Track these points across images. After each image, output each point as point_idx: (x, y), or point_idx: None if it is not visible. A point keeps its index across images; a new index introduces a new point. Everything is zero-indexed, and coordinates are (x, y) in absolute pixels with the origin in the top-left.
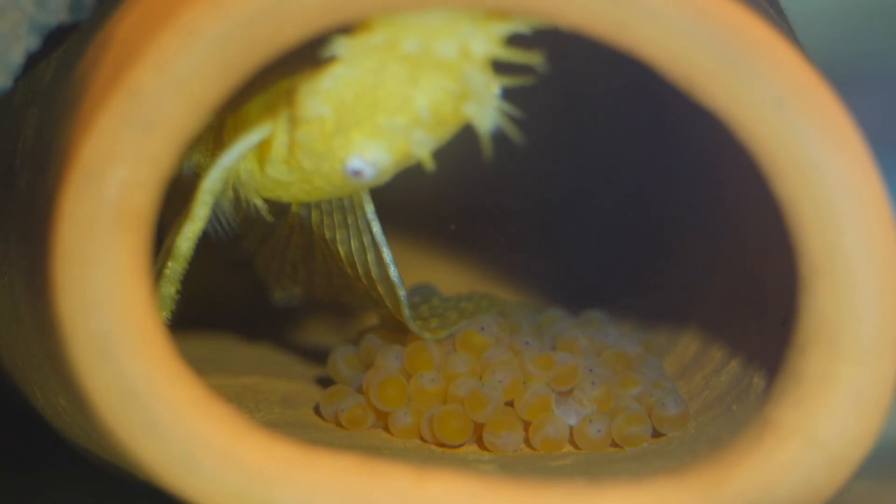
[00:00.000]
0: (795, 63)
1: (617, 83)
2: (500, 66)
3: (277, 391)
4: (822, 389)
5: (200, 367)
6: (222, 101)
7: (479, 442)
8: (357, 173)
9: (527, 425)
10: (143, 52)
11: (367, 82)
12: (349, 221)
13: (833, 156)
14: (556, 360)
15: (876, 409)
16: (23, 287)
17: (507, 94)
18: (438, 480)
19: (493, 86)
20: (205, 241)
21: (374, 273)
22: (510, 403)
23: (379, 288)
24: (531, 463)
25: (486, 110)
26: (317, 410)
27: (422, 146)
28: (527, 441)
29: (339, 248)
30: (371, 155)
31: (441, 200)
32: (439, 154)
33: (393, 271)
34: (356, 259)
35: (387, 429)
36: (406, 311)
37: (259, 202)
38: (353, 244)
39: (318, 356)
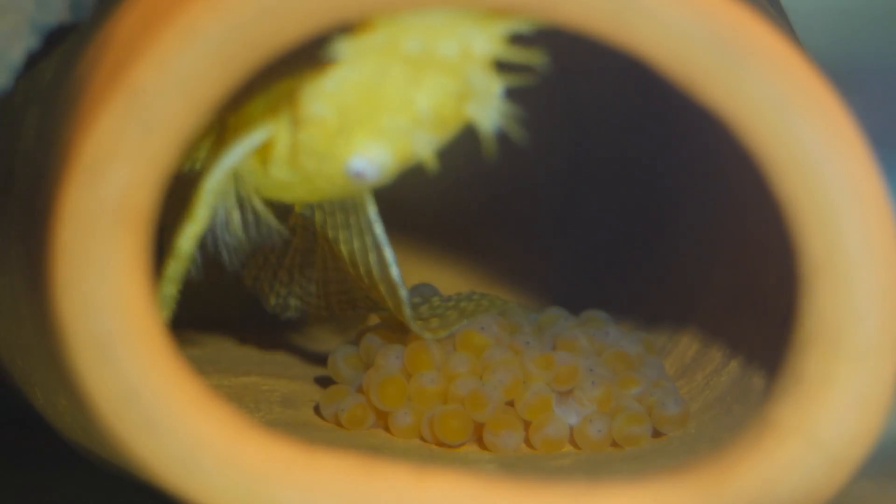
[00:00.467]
0: (796, 63)
1: (617, 83)
2: (501, 66)
3: (277, 391)
4: (822, 389)
5: (200, 367)
6: (223, 101)
7: (480, 442)
8: (359, 174)
9: (527, 425)
10: (143, 52)
11: (369, 83)
12: (351, 222)
13: (833, 156)
14: (557, 359)
15: (876, 408)
16: (23, 287)
17: (508, 95)
18: (438, 480)
19: (495, 86)
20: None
21: (375, 273)
22: (510, 403)
23: (380, 288)
24: (531, 463)
25: (487, 110)
26: (317, 410)
27: (424, 146)
28: (527, 441)
29: (342, 249)
30: (373, 155)
31: (441, 201)
32: (441, 154)
33: (395, 271)
34: (358, 259)
35: (387, 429)
36: (407, 312)
37: (259, 203)
38: (356, 244)
39: (318, 356)
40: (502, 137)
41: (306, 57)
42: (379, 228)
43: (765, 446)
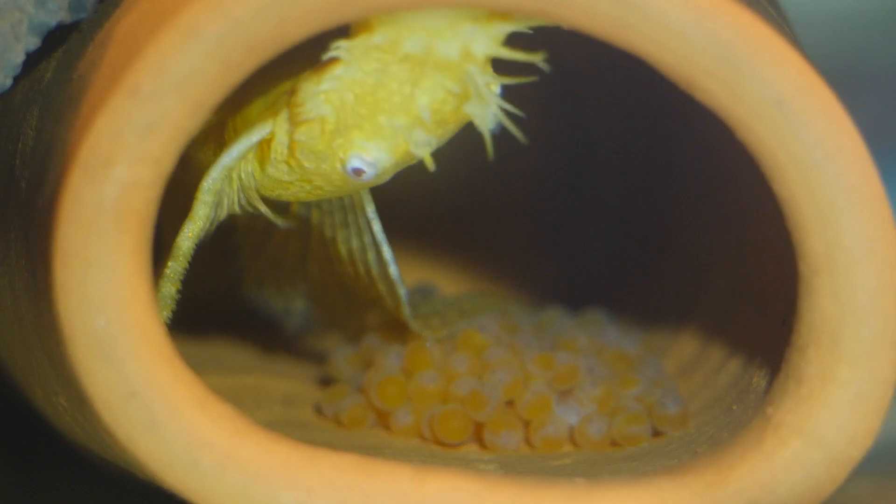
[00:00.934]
0: (796, 63)
1: (617, 82)
2: (500, 66)
3: (277, 391)
4: (822, 389)
5: (200, 367)
6: (223, 101)
7: (480, 441)
8: (357, 173)
9: (527, 425)
10: (143, 52)
11: (368, 83)
12: (349, 220)
13: (833, 156)
14: (557, 359)
15: (876, 408)
16: (23, 287)
17: (508, 94)
18: (438, 480)
19: (494, 85)
20: (204, 242)
21: (374, 272)
22: (510, 403)
23: (380, 287)
24: (531, 462)
25: (487, 110)
26: (317, 410)
27: (422, 146)
28: (527, 440)
29: (340, 248)
30: (371, 155)
31: (441, 200)
32: (440, 154)
33: (393, 270)
34: (357, 258)
35: (387, 428)
36: (406, 310)
37: (259, 203)
38: (354, 243)
39: (318, 356)
40: (502, 137)
41: (306, 56)
42: (377, 227)
43: (765, 446)
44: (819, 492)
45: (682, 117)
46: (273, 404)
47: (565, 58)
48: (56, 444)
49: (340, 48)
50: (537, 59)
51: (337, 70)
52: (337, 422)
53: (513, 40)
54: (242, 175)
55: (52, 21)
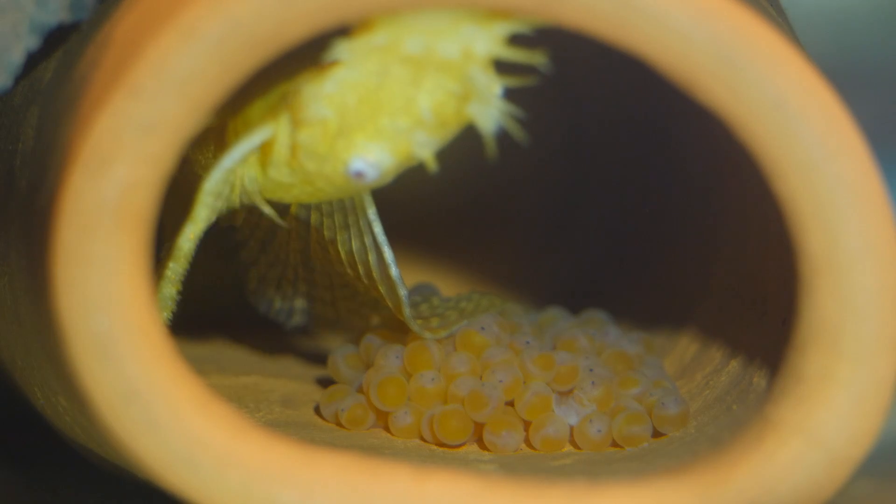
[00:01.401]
0: (796, 63)
1: (617, 83)
2: (502, 67)
3: (277, 391)
4: (822, 389)
5: (200, 367)
6: (223, 102)
7: (480, 442)
8: (359, 175)
9: (527, 425)
10: (143, 52)
11: (370, 84)
12: (350, 222)
13: (833, 156)
14: (557, 359)
15: (876, 408)
16: (23, 287)
17: (508, 95)
18: (438, 480)
19: (496, 86)
20: (205, 243)
21: (375, 274)
22: (510, 403)
23: (380, 288)
24: (532, 463)
25: (488, 111)
26: (317, 410)
27: (424, 147)
28: (527, 441)
29: (340, 249)
30: (373, 157)
31: (441, 201)
32: (441, 155)
33: (394, 271)
34: (357, 259)
35: (387, 429)
36: (407, 311)
37: (262, 204)
38: (355, 245)
39: (318, 356)
40: (503, 137)
41: (307, 57)
42: (378, 228)
43: (765, 446)
44: (820, 492)
45: (682, 117)
46: (273, 404)
47: (565, 58)
48: (56, 444)
49: (341, 49)
50: (539, 59)
51: (338, 72)
52: (337, 422)
53: (514, 42)
54: (245, 177)
55: (53, 21)
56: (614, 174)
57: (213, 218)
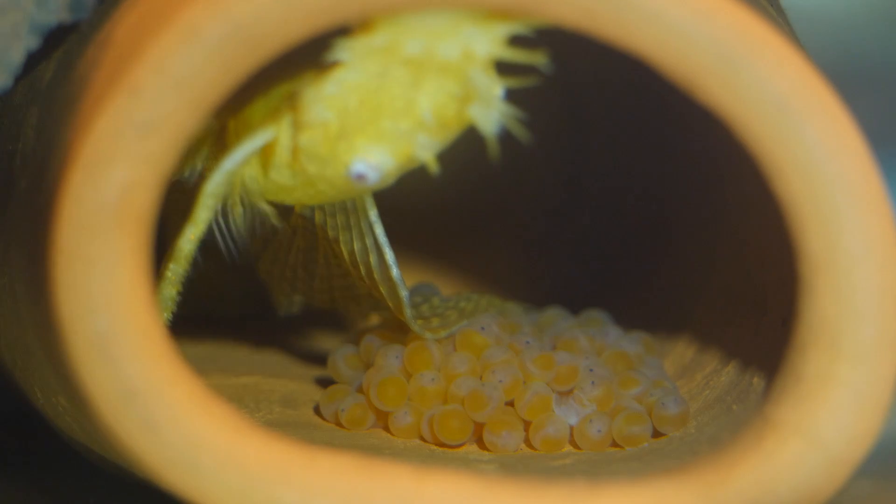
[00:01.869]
0: (796, 63)
1: (616, 83)
2: (503, 68)
3: (277, 391)
4: (822, 389)
5: (200, 367)
6: (222, 102)
7: (480, 442)
8: (361, 177)
9: (527, 425)
10: (143, 52)
11: (371, 86)
12: (352, 223)
13: (833, 156)
14: (557, 359)
15: (876, 408)
16: (23, 287)
17: (509, 96)
18: (438, 480)
19: (497, 88)
20: (205, 244)
21: (376, 274)
22: (510, 403)
23: (381, 288)
24: (531, 463)
25: (489, 113)
26: (317, 410)
27: (425, 149)
28: (527, 441)
29: (343, 249)
30: (375, 159)
31: (441, 201)
32: (441, 156)
33: (395, 272)
34: (359, 260)
35: (387, 429)
36: (408, 312)
37: (264, 206)
38: (356, 245)
39: (318, 356)
40: (503, 138)
41: (307, 58)
42: (380, 230)
43: (765, 446)
44: (819, 492)
45: (682, 118)
46: (273, 404)
47: (565, 59)
48: (56, 444)
49: (342, 50)
50: (539, 60)
51: (339, 74)
52: (337, 422)
53: (514, 43)
54: (246, 178)
55: (53, 21)
56: (614, 174)
57: (212, 219)
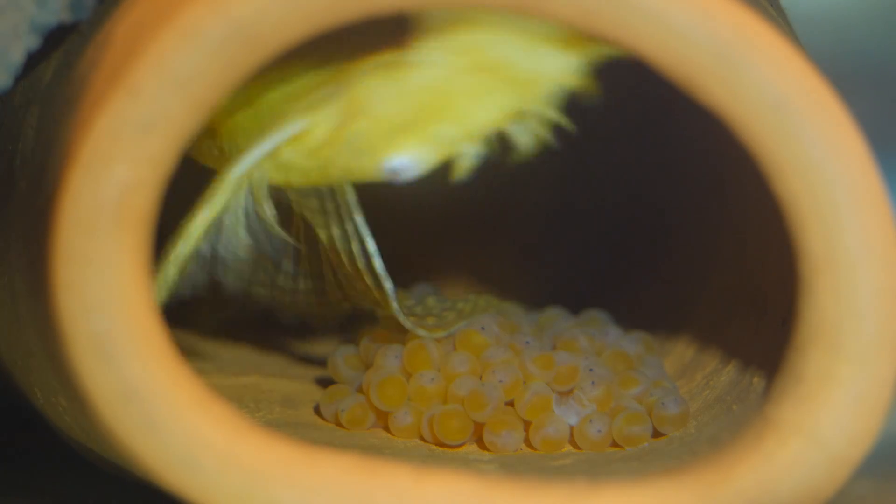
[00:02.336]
0: (796, 63)
1: (616, 83)
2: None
3: (277, 391)
4: (822, 389)
5: (200, 367)
6: (222, 101)
7: (480, 441)
8: (397, 173)
9: (527, 425)
10: (143, 52)
11: (435, 89)
12: (328, 209)
13: (833, 156)
14: (557, 359)
15: (876, 408)
16: (23, 287)
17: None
18: (438, 480)
19: (552, 114)
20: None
21: (360, 264)
22: (510, 403)
23: (366, 279)
24: (531, 463)
25: (529, 135)
26: (317, 410)
27: (466, 158)
28: (527, 441)
29: (321, 234)
30: (417, 158)
31: (441, 203)
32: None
33: (378, 263)
34: (339, 247)
35: (387, 428)
36: (394, 305)
37: (265, 213)
38: (335, 231)
39: (318, 356)
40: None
41: (326, 47)
42: (359, 217)
43: (765, 446)
44: (819, 492)
45: (682, 118)
46: (273, 404)
47: None
48: (56, 444)
49: (412, 49)
50: (595, 94)
51: (406, 72)
52: (337, 422)
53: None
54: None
55: (52, 21)
56: (614, 174)
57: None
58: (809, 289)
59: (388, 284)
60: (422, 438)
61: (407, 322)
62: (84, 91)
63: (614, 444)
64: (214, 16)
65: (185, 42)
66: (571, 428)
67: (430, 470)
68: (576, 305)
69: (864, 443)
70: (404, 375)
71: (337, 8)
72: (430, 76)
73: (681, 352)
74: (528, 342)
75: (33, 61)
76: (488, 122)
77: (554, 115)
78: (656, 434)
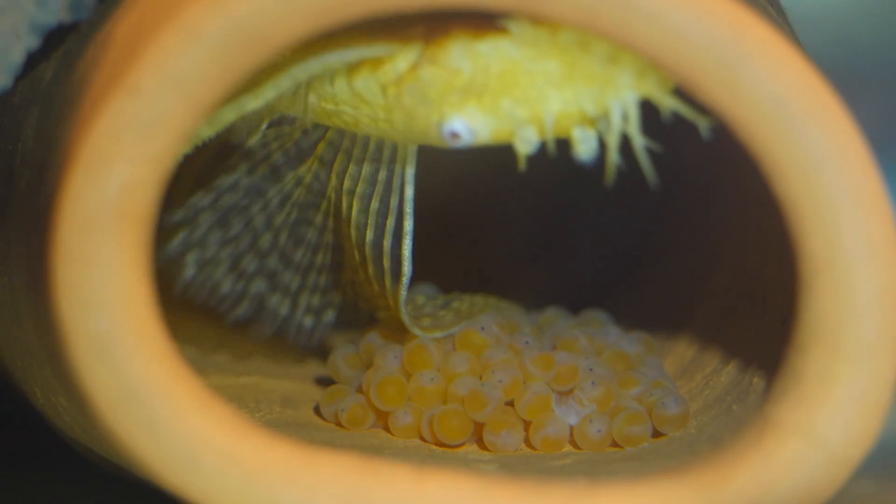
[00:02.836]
0: (796, 63)
1: None
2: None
3: (277, 391)
4: (822, 389)
5: (200, 367)
6: (223, 99)
7: (480, 441)
8: (453, 135)
9: (527, 425)
10: (143, 52)
11: (517, 66)
12: (379, 178)
13: (833, 156)
14: (557, 359)
15: (876, 408)
16: (23, 287)
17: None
18: (438, 480)
19: (629, 128)
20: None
21: (385, 244)
22: (510, 403)
23: (384, 263)
24: (531, 463)
25: (593, 144)
26: (317, 410)
27: (524, 143)
28: (527, 441)
29: (355, 204)
30: (478, 126)
31: (442, 202)
32: (441, 156)
33: (408, 245)
34: (370, 222)
35: (387, 428)
36: (404, 295)
37: (306, 116)
38: (374, 204)
39: (318, 356)
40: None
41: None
42: (411, 191)
43: (765, 446)
44: (819, 492)
45: (681, 118)
46: (273, 404)
47: None
48: (56, 444)
49: (517, 25)
50: (700, 123)
51: (499, 40)
52: (337, 422)
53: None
54: (314, 83)
55: (53, 21)
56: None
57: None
58: (809, 289)
59: (407, 268)
60: (422, 438)
61: (406, 316)
62: (84, 91)
63: (614, 444)
64: (215, 16)
65: (186, 42)
66: (571, 428)
67: (431, 470)
68: (576, 305)
69: (865, 443)
70: (404, 375)
71: (337, 7)
72: (518, 50)
73: (681, 352)
74: (527, 342)
75: (33, 61)
76: (560, 113)
77: (626, 126)
78: (656, 434)
